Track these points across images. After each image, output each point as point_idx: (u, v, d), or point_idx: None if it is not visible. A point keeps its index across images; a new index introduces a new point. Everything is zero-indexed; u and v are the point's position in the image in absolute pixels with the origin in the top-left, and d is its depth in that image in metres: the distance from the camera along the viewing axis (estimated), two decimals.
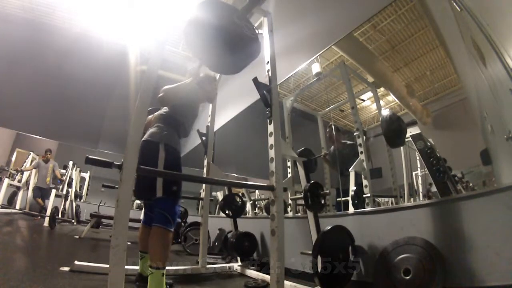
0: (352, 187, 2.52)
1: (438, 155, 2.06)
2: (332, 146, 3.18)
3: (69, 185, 5.80)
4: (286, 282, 1.65)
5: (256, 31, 1.53)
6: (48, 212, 4.22)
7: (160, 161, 1.44)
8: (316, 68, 3.61)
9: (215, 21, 1.38)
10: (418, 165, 2.67)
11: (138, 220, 4.76)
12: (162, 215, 1.41)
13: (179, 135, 1.66)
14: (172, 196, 1.46)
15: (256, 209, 4.00)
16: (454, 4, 1.81)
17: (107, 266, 0.93)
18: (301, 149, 2.31)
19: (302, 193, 1.93)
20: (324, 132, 3.71)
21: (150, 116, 1.74)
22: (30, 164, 5.92)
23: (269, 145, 1.49)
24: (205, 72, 1.86)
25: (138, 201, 5.37)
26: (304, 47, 3.11)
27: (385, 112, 2.31)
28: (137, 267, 1.69)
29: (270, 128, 1.50)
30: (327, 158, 3.25)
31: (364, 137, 2.64)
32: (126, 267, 0.97)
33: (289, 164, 3.02)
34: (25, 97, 6.02)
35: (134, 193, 1.42)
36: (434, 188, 2.11)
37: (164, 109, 1.71)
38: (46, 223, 4.16)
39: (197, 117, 1.88)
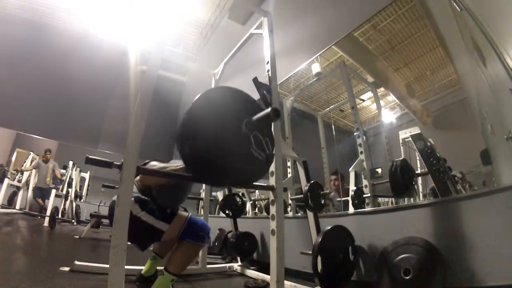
0: (352, 187, 2.52)
1: (438, 155, 2.06)
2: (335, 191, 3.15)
3: (69, 185, 5.80)
4: (286, 282, 1.65)
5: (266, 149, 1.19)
6: (48, 212, 4.22)
7: (150, 221, 1.35)
8: (316, 68, 3.60)
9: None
10: (418, 165, 2.66)
11: None
12: (195, 234, 1.38)
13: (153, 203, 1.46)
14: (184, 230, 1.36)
15: (256, 209, 3.99)
16: (454, 4, 1.81)
17: (107, 266, 0.93)
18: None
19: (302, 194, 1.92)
20: (323, 131, 3.71)
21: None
22: (30, 164, 5.92)
23: None
24: None
25: None
26: (304, 47, 3.11)
27: (394, 160, 1.97)
28: (137, 267, 1.69)
29: None
30: (331, 199, 3.25)
31: (364, 137, 2.64)
32: (126, 267, 0.97)
33: (289, 164, 3.02)
34: (25, 97, 6.02)
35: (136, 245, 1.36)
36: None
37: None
38: (46, 223, 4.16)
39: (183, 201, 1.71)
